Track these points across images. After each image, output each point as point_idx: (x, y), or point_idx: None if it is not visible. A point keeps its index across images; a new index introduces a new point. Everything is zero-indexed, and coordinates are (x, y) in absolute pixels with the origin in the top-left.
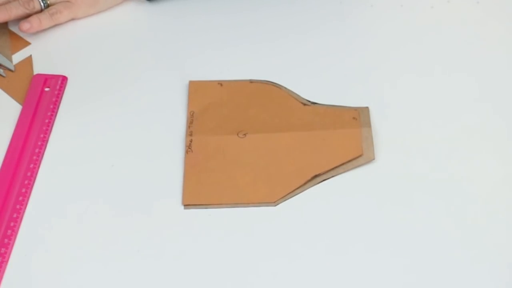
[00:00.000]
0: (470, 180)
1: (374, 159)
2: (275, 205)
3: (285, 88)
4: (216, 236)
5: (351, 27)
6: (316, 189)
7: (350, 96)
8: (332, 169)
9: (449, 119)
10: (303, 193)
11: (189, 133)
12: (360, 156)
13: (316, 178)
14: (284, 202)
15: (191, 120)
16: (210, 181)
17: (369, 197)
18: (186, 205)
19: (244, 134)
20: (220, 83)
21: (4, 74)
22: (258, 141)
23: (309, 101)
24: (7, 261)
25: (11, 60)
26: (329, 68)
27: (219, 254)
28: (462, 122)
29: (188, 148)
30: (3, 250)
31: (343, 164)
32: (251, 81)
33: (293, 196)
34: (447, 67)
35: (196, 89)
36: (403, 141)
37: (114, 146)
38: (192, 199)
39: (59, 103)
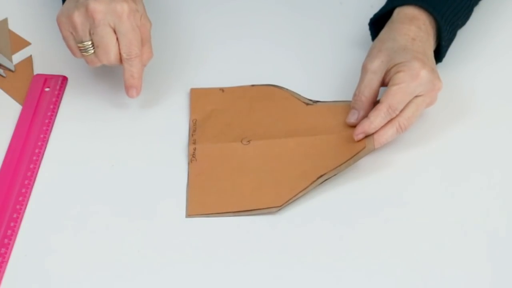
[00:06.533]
0: (472, 178)
1: (375, 148)
2: (280, 209)
3: (287, 89)
4: (217, 241)
5: (351, 28)
6: (320, 196)
7: (350, 96)
8: (337, 167)
9: (448, 114)
10: (306, 201)
11: (193, 141)
12: (363, 148)
13: (321, 178)
14: (286, 210)
15: (194, 128)
16: (215, 190)
17: (372, 199)
18: (190, 216)
19: (248, 141)
20: (222, 89)
21: (4, 74)
22: (262, 147)
23: (312, 100)
24: (7, 261)
25: (11, 60)
26: (330, 68)
27: (220, 259)
28: (463, 119)
29: (192, 157)
30: (3, 250)
31: (347, 160)
32: (252, 86)
33: (297, 199)
34: (445, 66)
35: (197, 96)
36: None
37: (114, 147)
38: (197, 210)
39: (59, 103)
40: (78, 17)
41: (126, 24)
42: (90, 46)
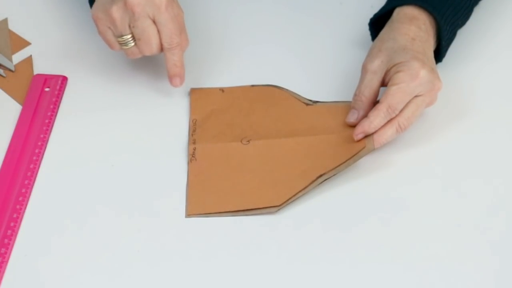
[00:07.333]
0: (472, 178)
1: (374, 148)
2: (279, 209)
3: (287, 89)
4: (217, 241)
5: (351, 28)
6: (319, 196)
7: (350, 96)
8: (336, 166)
9: (448, 114)
10: (306, 201)
11: (192, 141)
12: (363, 148)
13: (320, 177)
14: (286, 210)
15: (194, 128)
16: (214, 189)
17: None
18: (190, 215)
19: (248, 141)
20: (222, 89)
21: (4, 74)
22: (262, 147)
23: (311, 101)
24: (7, 261)
25: (11, 60)
26: (330, 68)
27: (219, 259)
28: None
29: (192, 156)
30: (3, 250)
31: (347, 160)
32: (252, 86)
33: (297, 199)
34: (445, 65)
35: (197, 96)
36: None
37: (114, 147)
38: (197, 209)
39: (59, 103)
40: (116, 12)
41: (165, 14)
42: (130, 39)
